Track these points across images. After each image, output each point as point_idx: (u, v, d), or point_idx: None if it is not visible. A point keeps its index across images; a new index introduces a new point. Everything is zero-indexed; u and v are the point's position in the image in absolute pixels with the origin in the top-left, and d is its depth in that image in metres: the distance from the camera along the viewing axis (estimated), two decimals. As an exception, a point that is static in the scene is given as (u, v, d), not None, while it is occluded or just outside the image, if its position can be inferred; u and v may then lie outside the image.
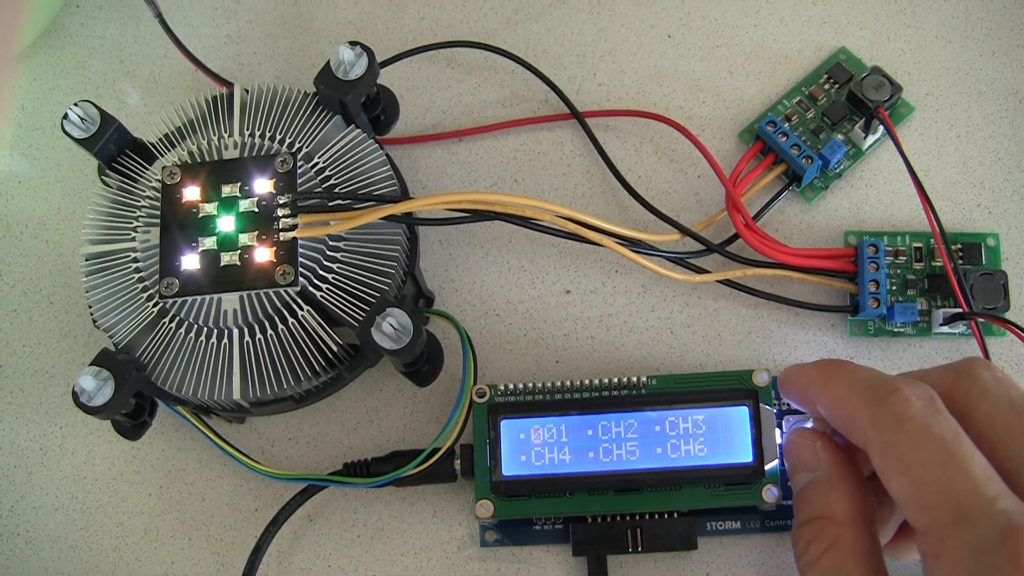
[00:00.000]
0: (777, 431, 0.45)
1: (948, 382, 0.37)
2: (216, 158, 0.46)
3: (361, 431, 0.50)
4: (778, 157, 0.50)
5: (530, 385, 0.46)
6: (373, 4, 0.56)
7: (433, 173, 0.53)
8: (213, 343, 0.44)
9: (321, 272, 0.44)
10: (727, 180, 0.49)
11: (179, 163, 0.46)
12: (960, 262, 0.49)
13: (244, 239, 0.44)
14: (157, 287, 0.44)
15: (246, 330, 0.44)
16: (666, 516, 0.45)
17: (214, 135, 0.47)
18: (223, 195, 0.45)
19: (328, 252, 0.44)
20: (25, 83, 0.56)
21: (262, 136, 0.47)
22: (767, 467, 0.44)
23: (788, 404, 0.47)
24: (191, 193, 0.45)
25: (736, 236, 0.49)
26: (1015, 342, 0.48)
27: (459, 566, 0.48)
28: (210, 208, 0.45)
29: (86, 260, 0.46)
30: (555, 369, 0.50)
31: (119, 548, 0.49)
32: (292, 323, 0.44)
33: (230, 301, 0.44)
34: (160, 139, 0.47)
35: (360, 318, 0.43)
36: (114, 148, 0.47)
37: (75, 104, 0.46)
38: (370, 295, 0.44)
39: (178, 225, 0.45)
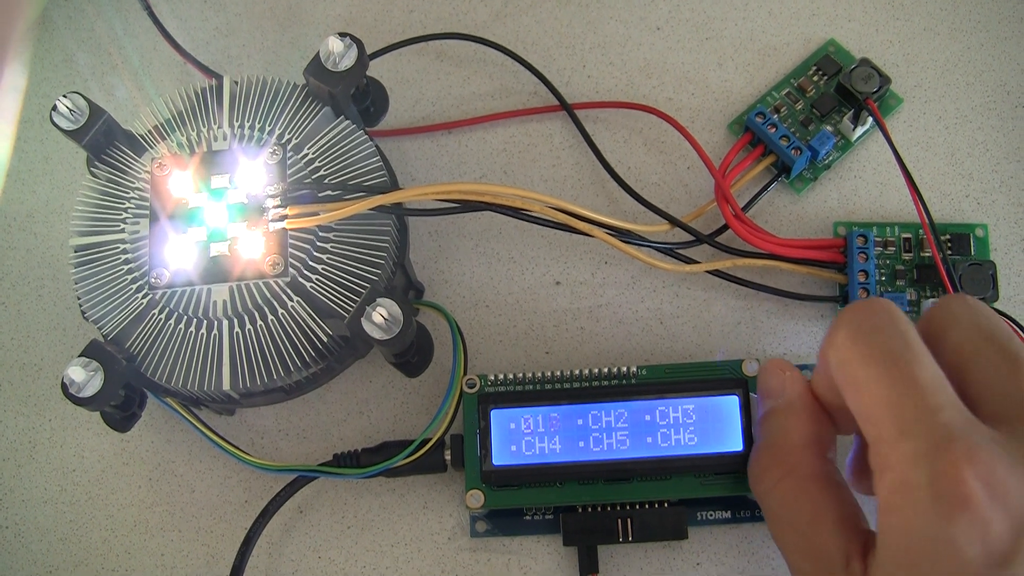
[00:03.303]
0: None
1: (926, 318, 0.37)
2: (206, 149, 0.46)
3: (351, 422, 0.50)
4: (767, 148, 0.50)
5: (520, 375, 0.46)
6: (362, -4, 0.57)
7: (422, 165, 0.53)
8: (203, 334, 0.44)
9: (311, 263, 0.44)
10: (716, 171, 0.49)
11: (168, 154, 0.46)
12: (949, 252, 0.49)
13: (234, 230, 0.44)
14: (146, 278, 0.44)
15: (236, 321, 0.44)
16: (656, 506, 0.45)
17: (203, 127, 0.47)
18: (213, 186, 0.45)
19: (318, 243, 0.44)
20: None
21: (251, 127, 0.47)
22: (757, 456, 0.44)
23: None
24: (180, 184, 0.45)
25: (725, 227, 0.49)
26: (1003, 332, 0.48)
27: (450, 557, 0.48)
28: (199, 199, 0.45)
29: (75, 252, 0.46)
30: (545, 360, 0.50)
31: (108, 541, 0.49)
32: (282, 314, 0.44)
33: (220, 292, 0.44)
34: (149, 131, 0.47)
35: (350, 308, 0.43)
36: (103, 140, 0.47)
37: (64, 96, 0.45)
38: (360, 286, 0.44)
39: (167, 216, 0.45)
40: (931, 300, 0.48)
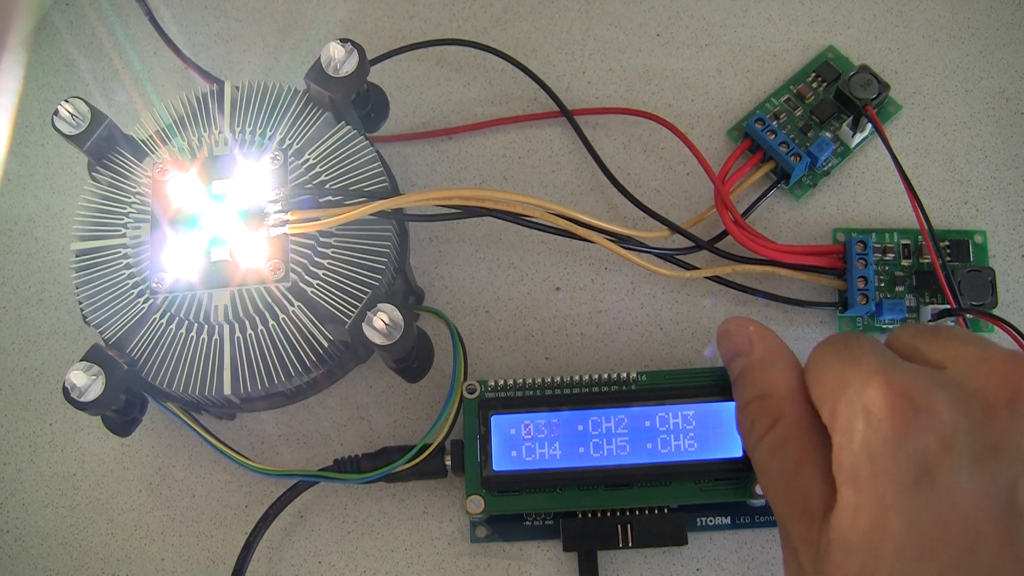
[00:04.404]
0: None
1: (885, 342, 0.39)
2: (207, 154, 0.46)
3: (352, 427, 0.50)
4: (766, 155, 0.50)
5: (520, 381, 0.46)
6: (363, 2, 0.57)
7: (423, 171, 0.53)
8: (204, 339, 0.44)
9: (312, 268, 0.44)
10: (716, 177, 0.49)
11: (170, 159, 0.46)
12: (948, 259, 0.49)
13: (234, 235, 0.44)
14: (148, 283, 0.44)
15: (237, 326, 0.44)
16: (656, 512, 0.45)
17: (204, 132, 0.47)
18: (214, 191, 0.45)
19: (319, 248, 0.45)
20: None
21: (252, 132, 0.47)
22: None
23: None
24: (182, 189, 0.45)
25: (725, 233, 0.49)
26: (1003, 338, 0.48)
27: (449, 562, 0.48)
28: (201, 204, 0.45)
29: (76, 256, 0.46)
30: (545, 365, 0.50)
31: (109, 545, 0.49)
32: (283, 319, 0.44)
33: (221, 297, 0.44)
34: (150, 136, 0.47)
35: (351, 314, 0.43)
36: (104, 144, 0.47)
37: (66, 100, 0.45)
38: (361, 291, 0.44)
39: (169, 221, 0.45)
40: (930, 306, 0.48)
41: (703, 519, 0.47)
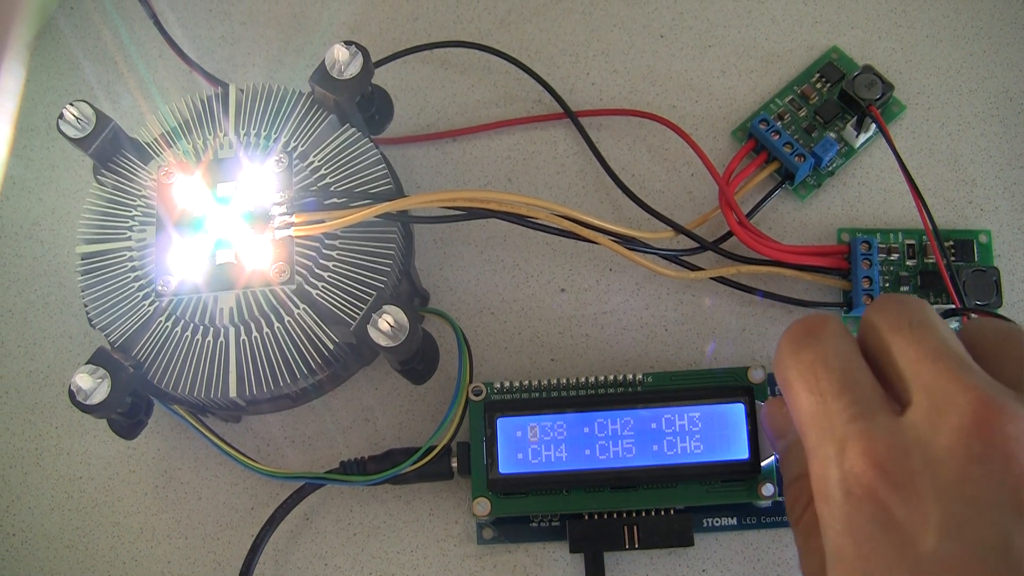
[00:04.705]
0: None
1: (859, 328, 0.37)
2: (211, 157, 0.46)
3: (357, 429, 0.50)
4: (771, 155, 0.50)
5: (526, 383, 0.46)
6: (367, 4, 0.57)
7: (427, 173, 0.54)
8: (209, 341, 0.44)
9: (317, 270, 0.44)
10: (720, 178, 0.49)
11: (175, 162, 0.46)
12: (952, 259, 0.49)
13: (240, 237, 0.44)
14: (153, 286, 0.44)
15: (242, 328, 0.44)
16: (662, 513, 0.45)
17: (209, 134, 0.47)
18: (219, 194, 0.45)
19: (324, 250, 0.45)
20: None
21: (257, 135, 0.47)
22: (763, 464, 0.44)
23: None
24: (186, 192, 0.45)
25: (730, 234, 0.49)
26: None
27: (456, 564, 0.48)
28: (205, 207, 0.45)
29: (82, 259, 0.46)
30: (551, 367, 0.50)
31: (115, 548, 0.49)
32: (288, 321, 0.44)
33: (226, 299, 0.44)
34: (155, 139, 0.47)
35: (356, 316, 0.43)
36: (109, 148, 0.47)
37: (71, 104, 0.46)
38: (366, 293, 0.44)
39: (174, 224, 0.45)
40: (935, 306, 0.48)
41: (709, 520, 0.47)
